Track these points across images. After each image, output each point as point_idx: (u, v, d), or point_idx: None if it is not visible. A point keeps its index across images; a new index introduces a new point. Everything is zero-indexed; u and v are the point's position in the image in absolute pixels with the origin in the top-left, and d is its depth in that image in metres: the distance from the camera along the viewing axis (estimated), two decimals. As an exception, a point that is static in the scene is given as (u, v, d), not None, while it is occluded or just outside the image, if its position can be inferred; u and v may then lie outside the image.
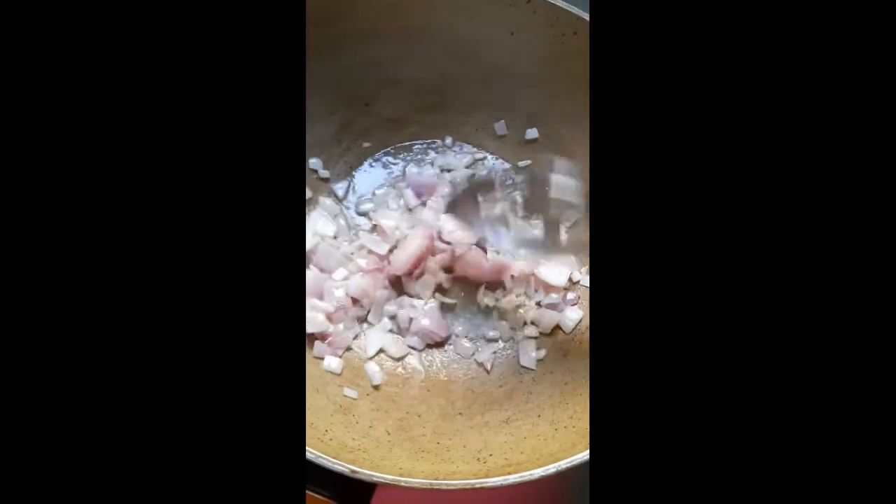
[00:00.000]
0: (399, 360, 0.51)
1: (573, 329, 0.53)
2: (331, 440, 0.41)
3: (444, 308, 0.53)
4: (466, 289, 0.54)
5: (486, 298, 0.53)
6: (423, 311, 0.52)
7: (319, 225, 0.54)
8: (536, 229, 0.45)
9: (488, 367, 0.51)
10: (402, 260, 0.52)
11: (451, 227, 0.51)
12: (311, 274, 0.51)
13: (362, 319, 0.52)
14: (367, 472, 0.38)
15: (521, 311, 0.53)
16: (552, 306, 0.53)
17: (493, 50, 0.53)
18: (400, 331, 0.52)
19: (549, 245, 0.45)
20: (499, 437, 0.45)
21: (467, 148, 0.58)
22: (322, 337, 0.50)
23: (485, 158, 0.58)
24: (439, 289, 0.54)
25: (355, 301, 0.51)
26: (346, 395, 0.47)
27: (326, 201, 0.55)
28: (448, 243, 0.53)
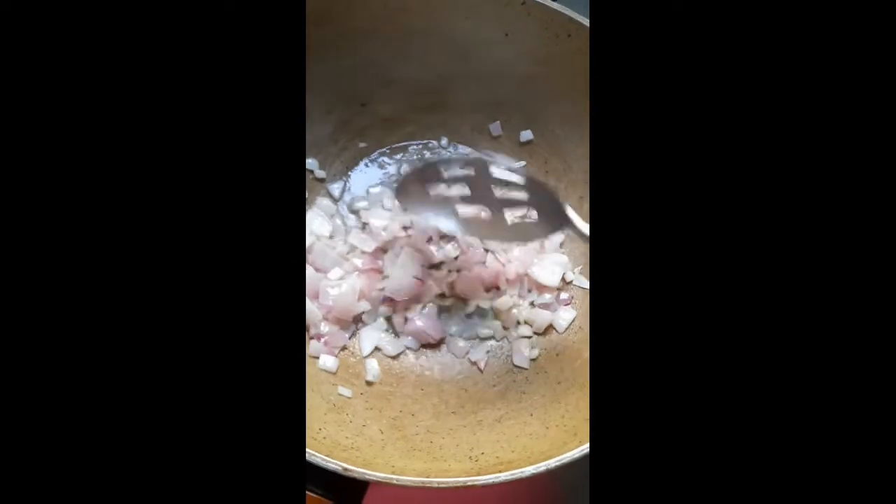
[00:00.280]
0: (394, 358, 0.52)
1: (566, 329, 0.53)
2: (324, 438, 0.42)
3: (441, 310, 0.54)
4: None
5: (480, 300, 0.54)
6: (421, 313, 0.52)
7: (315, 224, 0.54)
8: (483, 213, 0.47)
9: (482, 367, 0.52)
10: (398, 289, 0.52)
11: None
12: (307, 273, 0.52)
13: (357, 319, 0.52)
14: (359, 471, 0.38)
15: (514, 310, 0.54)
16: (545, 306, 0.54)
17: (488, 51, 0.53)
18: (395, 331, 0.53)
19: (496, 228, 0.47)
20: (491, 436, 0.46)
21: (462, 149, 0.58)
22: (317, 336, 0.50)
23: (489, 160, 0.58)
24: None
25: (351, 301, 0.52)
26: (340, 394, 0.48)
27: (323, 201, 0.56)
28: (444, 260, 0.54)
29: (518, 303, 0.54)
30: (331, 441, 0.42)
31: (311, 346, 0.50)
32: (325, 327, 0.51)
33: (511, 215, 0.47)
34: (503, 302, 0.53)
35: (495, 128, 0.57)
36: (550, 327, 0.54)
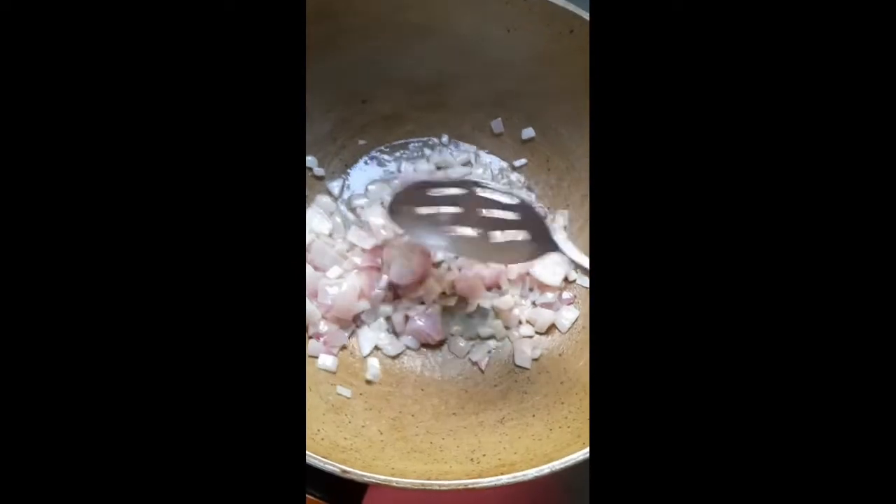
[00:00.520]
0: (394, 358, 0.51)
1: (569, 328, 0.52)
2: (322, 440, 0.41)
3: (443, 310, 0.53)
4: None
5: (481, 299, 0.53)
6: (424, 313, 0.52)
7: (315, 222, 0.53)
8: (472, 232, 0.47)
9: (483, 367, 0.51)
10: (400, 273, 0.51)
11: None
12: (306, 272, 0.51)
13: (357, 318, 0.52)
14: (358, 472, 0.38)
15: (516, 310, 0.53)
16: (548, 305, 0.53)
17: (490, 47, 0.53)
18: (395, 331, 0.52)
19: (485, 248, 0.47)
20: (493, 437, 0.45)
21: (463, 146, 0.58)
22: (316, 336, 0.50)
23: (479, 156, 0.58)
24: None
25: (351, 300, 0.51)
26: (339, 394, 0.47)
27: (322, 199, 0.55)
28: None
29: (520, 302, 0.54)
30: (329, 442, 0.41)
31: (310, 346, 0.49)
32: (323, 326, 0.50)
33: (500, 236, 0.47)
34: (504, 301, 0.53)
35: (497, 125, 0.57)
36: (553, 327, 0.53)
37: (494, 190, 0.45)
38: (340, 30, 0.51)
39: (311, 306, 0.50)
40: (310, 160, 0.55)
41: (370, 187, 0.56)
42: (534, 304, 0.54)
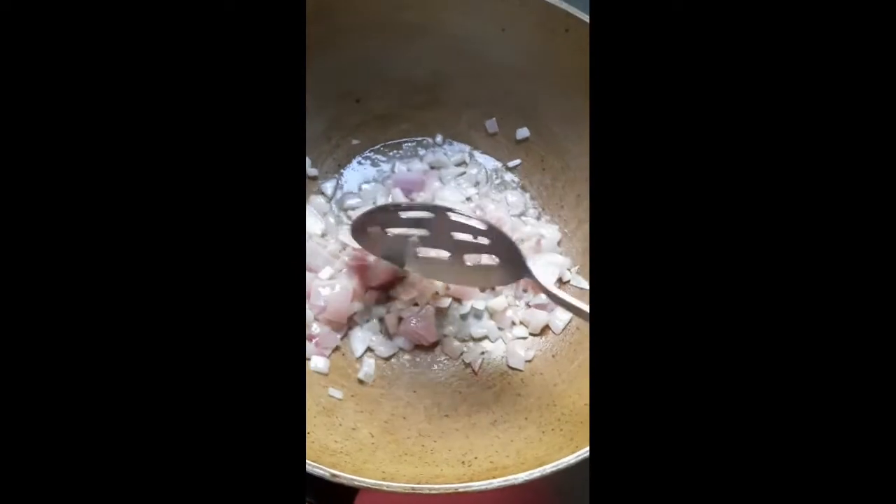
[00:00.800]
0: (387, 359, 0.51)
1: (563, 329, 0.52)
2: (312, 443, 0.41)
3: (436, 311, 0.52)
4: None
5: (475, 300, 0.53)
6: (417, 314, 0.51)
7: (308, 223, 0.53)
8: (442, 254, 0.47)
9: (476, 368, 0.51)
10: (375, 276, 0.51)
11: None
12: (298, 273, 0.51)
13: (350, 319, 0.51)
14: (348, 476, 0.37)
15: (509, 311, 0.53)
16: (541, 307, 0.53)
17: (484, 46, 0.52)
18: (387, 332, 0.52)
19: (456, 271, 0.47)
20: (485, 440, 0.45)
21: (458, 146, 0.57)
22: (309, 337, 0.49)
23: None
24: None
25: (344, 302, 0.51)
26: (330, 396, 0.47)
27: (316, 199, 0.55)
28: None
29: (513, 303, 0.53)
30: (319, 445, 0.41)
31: (302, 348, 0.49)
32: (316, 328, 0.50)
33: (471, 259, 0.46)
34: (498, 302, 0.52)
35: (491, 125, 0.56)
36: (547, 328, 0.53)
37: (465, 216, 0.44)
38: (335, 29, 0.50)
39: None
40: (303, 160, 0.55)
41: (364, 186, 0.56)
42: (527, 305, 0.53)
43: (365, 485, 0.37)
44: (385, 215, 0.46)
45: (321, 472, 0.37)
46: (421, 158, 0.57)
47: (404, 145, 0.57)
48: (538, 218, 0.56)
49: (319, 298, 0.50)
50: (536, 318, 0.52)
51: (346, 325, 0.51)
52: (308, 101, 0.51)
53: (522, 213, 0.56)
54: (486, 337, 0.52)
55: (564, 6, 0.48)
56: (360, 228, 0.47)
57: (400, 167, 0.56)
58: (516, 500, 0.49)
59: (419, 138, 0.57)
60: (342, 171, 0.56)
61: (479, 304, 0.53)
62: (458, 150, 0.57)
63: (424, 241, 0.46)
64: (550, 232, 0.55)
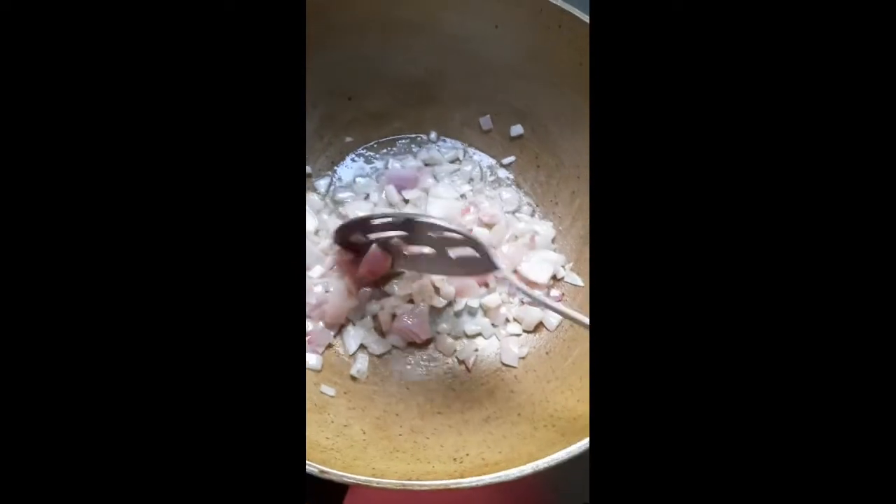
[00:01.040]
0: (380, 357, 0.51)
1: (557, 326, 0.52)
2: (303, 439, 0.41)
3: (431, 309, 0.52)
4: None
5: (468, 297, 0.53)
6: (411, 312, 0.51)
7: (301, 220, 0.53)
8: (426, 250, 0.48)
9: (469, 365, 0.51)
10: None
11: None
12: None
13: (343, 317, 0.51)
14: (337, 473, 0.37)
15: (503, 308, 0.53)
16: (535, 303, 0.52)
17: (478, 43, 0.52)
18: (381, 330, 0.51)
19: (442, 262, 0.48)
20: (477, 436, 0.45)
21: (452, 143, 0.57)
22: (302, 334, 0.49)
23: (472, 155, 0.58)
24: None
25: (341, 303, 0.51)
26: (322, 393, 0.47)
27: (310, 197, 0.55)
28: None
29: (507, 300, 0.53)
30: (309, 442, 0.41)
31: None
32: (309, 325, 0.49)
33: (453, 252, 0.47)
34: (492, 299, 0.52)
35: (485, 122, 0.56)
36: (541, 325, 0.52)
37: (441, 227, 0.45)
38: (329, 26, 0.50)
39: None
40: (296, 157, 0.54)
41: (358, 179, 0.56)
42: (521, 301, 0.53)
43: (354, 481, 0.37)
44: (361, 223, 0.48)
45: (310, 468, 0.37)
46: (415, 155, 0.57)
47: (398, 143, 0.57)
48: (532, 214, 0.56)
49: (312, 296, 0.50)
50: (530, 314, 0.52)
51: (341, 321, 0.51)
52: (301, 98, 0.51)
53: (516, 210, 0.56)
54: (479, 334, 0.52)
55: (557, 2, 0.48)
56: (342, 239, 0.49)
57: (393, 164, 0.56)
58: (510, 496, 0.49)
59: (413, 135, 0.57)
60: (335, 168, 0.56)
61: (474, 301, 0.53)
62: (452, 148, 0.57)
63: (408, 241, 0.47)
64: (545, 229, 0.55)
